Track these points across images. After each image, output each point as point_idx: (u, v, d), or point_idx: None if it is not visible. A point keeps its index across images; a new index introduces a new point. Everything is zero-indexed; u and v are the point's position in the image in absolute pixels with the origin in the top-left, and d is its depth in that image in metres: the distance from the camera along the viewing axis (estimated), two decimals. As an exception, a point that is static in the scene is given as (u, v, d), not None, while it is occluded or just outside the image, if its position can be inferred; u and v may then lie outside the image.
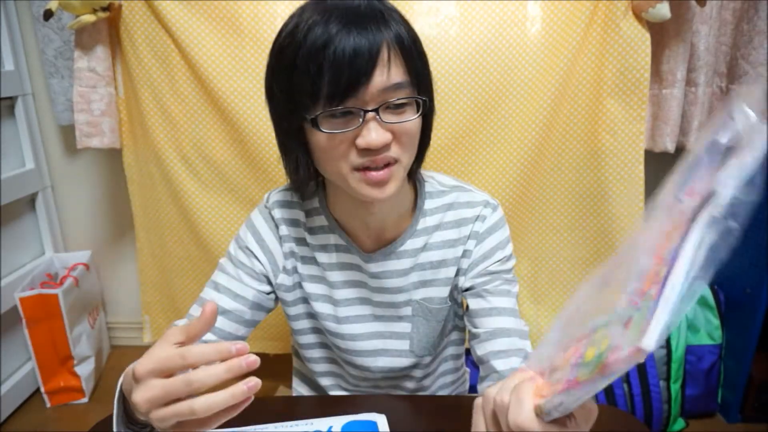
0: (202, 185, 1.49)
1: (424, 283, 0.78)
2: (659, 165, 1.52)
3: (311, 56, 0.57)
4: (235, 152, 1.45)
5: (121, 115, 1.51)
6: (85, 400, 1.68)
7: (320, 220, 0.77)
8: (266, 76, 0.66)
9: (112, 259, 1.90)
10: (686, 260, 0.29)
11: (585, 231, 1.47)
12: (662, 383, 1.49)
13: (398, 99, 0.61)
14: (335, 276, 0.78)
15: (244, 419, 0.68)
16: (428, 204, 0.77)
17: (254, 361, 0.46)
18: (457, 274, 0.77)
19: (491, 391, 0.44)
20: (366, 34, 0.57)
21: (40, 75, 1.68)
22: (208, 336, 0.74)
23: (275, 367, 1.65)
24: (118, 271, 1.91)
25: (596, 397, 0.45)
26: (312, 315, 0.81)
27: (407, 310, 0.79)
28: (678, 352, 1.48)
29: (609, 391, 1.47)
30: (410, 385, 0.86)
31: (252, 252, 0.77)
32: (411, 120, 0.62)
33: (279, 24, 0.65)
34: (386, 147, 0.61)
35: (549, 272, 1.53)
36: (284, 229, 0.78)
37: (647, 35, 1.28)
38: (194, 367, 0.45)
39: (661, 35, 1.36)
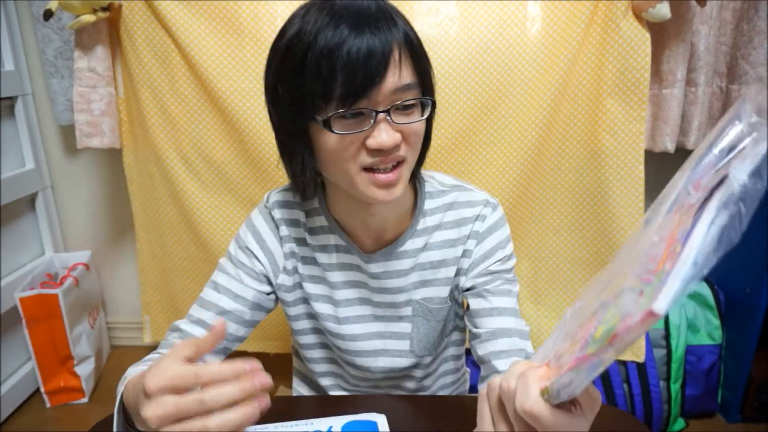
0: (202, 185, 1.49)
1: (424, 283, 0.78)
2: (659, 165, 1.52)
3: (323, 57, 0.57)
4: (235, 152, 1.45)
5: (121, 115, 1.51)
6: (85, 400, 1.68)
7: (320, 221, 0.77)
8: (268, 77, 0.65)
9: (112, 259, 1.90)
10: (700, 235, 0.29)
11: (585, 231, 1.47)
12: (662, 383, 1.49)
13: (408, 100, 0.61)
14: (335, 276, 0.78)
15: (244, 419, 0.68)
16: (428, 204, 0.77)
17: (267, 381, 0.46)
18: (457, 274, 0.77)
19: (496, 380, 0.43)
20: (379, 35, 0.58)
21: (40, 75, 1.68)
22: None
23: (275, 367, 1.64)
24: (118, 271, 1.91)
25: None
26: (312, 315, 0.81)
27: (407, 310, 0.79)
28: (678, 352, 1.48)
29: (609, 391, 1.47)
30: (411, 385, 0.86)
31: (252, 252, 0.77)
32: (419, 120, 0.63)
33: (279, 24, 0.65)
34: (396, 147, 0.61)
35: (549, 272, 1.53)
36: (284, 230, 0.78)
37: (647, 35, 1.28)
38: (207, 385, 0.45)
39: (661, 35, 1.36)
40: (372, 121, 0.60)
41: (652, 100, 1.42)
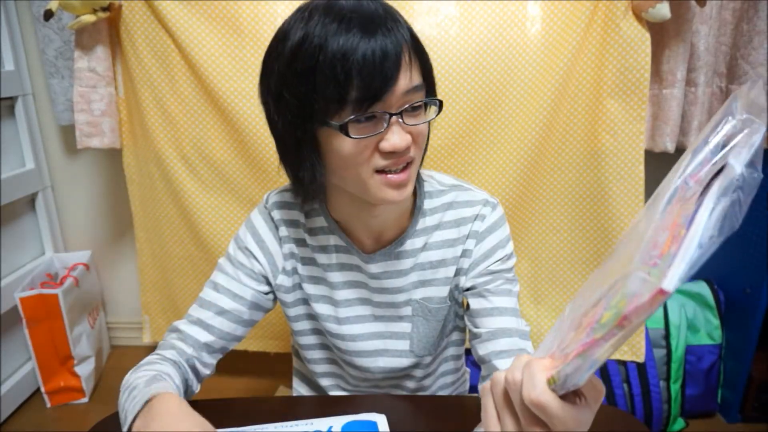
0: (202, 185, 1.49)
1: (423, 283, 0.78)
2: (659, 165, 1.52)
3: (337, 61, 0.56)
4: (235, 152, 1.45)
5: (121, 115, 1.51)
6: (85, 400, 1.68)
7: (320, 221, 0.77)
8: (269, 83, 0.64)
9: (112, 259, 1.90)
10: (704, 218, 0.30)
11: (585, 231, 1.47)
12: (662, 383, 1.49)
13: (418, 101, 0.62)
14: (335, 277, 0.78)
15: (244, 419, 0.69)
16: (427, 204, 0.77)
17: None
18: (457, 274, 0.77)
19: (500, 374, 0.43)
20: (390, 36, 0.58)
21: (40, 75, 1.69)
22: (207, 337, 0.74)
23: (275, 367, 1.66)
24: (118, 271, 1.91)
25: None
26: (312, 316, 0.82)
27: (407, 310, 0.79)
28: (678, 352, 1.48)
29: (609, 391, 1.47)
30: (411, 385, 0.86)
31: (251, 252, 0.77)
32: (427, 121, 0.64)
33: (279, 24, 0.64)
34: (407, 149, 0.62)
35: (549, 272, 1.53)
36: (284, 230, 0.78)
37: (647, 35, 1.28)
38: None
39: (661, 35, 1.36)
40: (385, 124, 0.60)
41: (652, 100, 1.42)
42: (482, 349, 0.73)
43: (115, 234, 1.87)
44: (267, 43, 0.65)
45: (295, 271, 0.79)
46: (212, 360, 0.76)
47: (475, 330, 0.75)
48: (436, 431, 0.71)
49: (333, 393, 0.89)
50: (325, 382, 0.88)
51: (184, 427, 0.53)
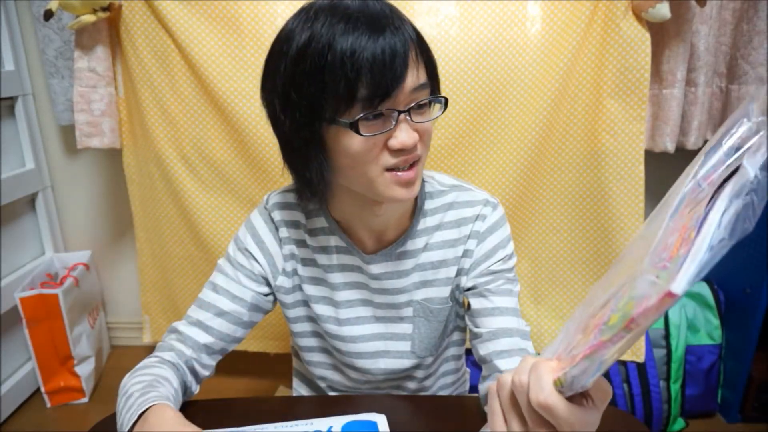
0: (202, 185, 1.49)
1: (424, 284, 0.78)
2: (659, 165, 1.52)
3: (347, 59, 0.56)
4: (235, 152, 1.45)
5: (121, 115, 1.51)
6: (85, 400, 1.68)
7: (320, 222, 0.77)
8: (275, 84, 0.63)
9: (112, 259, 1.90)
10: (715, 220, 0.29)
11: (585, 231, 1.47)
12: (662, 383, 1.49)
13: (425, 99, 0.62)
14: (336, 278, 0.78)
15: (244, 419, 0.69)
16: (428, 204, 0.77)
17: None
18: (458, 274, 0.77)
19: (506, 376, 0.43)
20: (397, 34, 0.58)
21: (40, 75, 1.68)
22: (206, 338, 0.74)
23: (275, 367, 1.66)
24: (118, 271, 1.91)
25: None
26: (312, 318, 0.81)
27: (408, 311, 0.79)
28: (678, 352, 1.48)
29: (609, 391, 1.47)
30: (411, 385, 0.86)
31: (251, 253, 0.77)
32: (433, 118, 0.64)
33: (279, 24, 0.64)
34: (415, 146, 0.62)
35: (549, 272, 1.53)
36: (284, 231, 0.77)
37: (647, 35, 1.28)
38: None
39: (661, 35, 1.36)
40: (394, 121, 0.60)
41: (652, 100, 1.42)
42: (483, 349, 0.73)
43: (115, 234, 1.87)
44: (267, 43, 0.65)
45: (295, 272, 0.79)
46: (211, 361, 0.76)
47: (475, 330, 0.75)
48: (436, 431, 0.71)
49: (333, 394, 0.88)
50: (324, 383, 0.88)
51: None
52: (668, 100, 1.39)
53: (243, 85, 1.36)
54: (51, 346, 1.60)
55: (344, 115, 0.59)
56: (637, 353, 1.45)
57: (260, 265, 0.77)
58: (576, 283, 1.52)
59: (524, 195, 1.45)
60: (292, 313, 0.82)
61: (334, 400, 0.84)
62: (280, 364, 1.58)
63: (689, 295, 1.52)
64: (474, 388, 1.00)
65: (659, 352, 1.48)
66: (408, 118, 0.61)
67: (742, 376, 1.49)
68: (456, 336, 0.88)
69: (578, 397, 0.39)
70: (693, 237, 0.30)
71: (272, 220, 0.78)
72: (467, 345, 0.85)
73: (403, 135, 0.61)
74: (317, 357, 0.86)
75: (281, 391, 1.34)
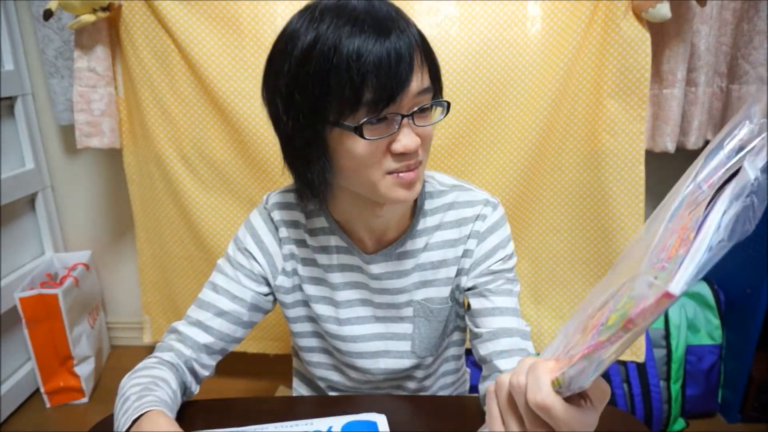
0: (202, 185, 1.49)
1: (425, 284, 0.78)
2: (659, 165, 1.52)
3: (352, 63, 0.56)
4: (235, 152, 1.45)
5: (121, 115, 1.51)
6: (85, 400, 1.68)
7: (320, 222, 0.77)
8: (278, 84, 0.62)
9: (112, 259, 1.90)
10: (714, 221, 0.29)
11: (585, 231, 1.47)
12: (662, 383, 1.49)
13: (428, 103, 0.62)
14: (336, 277, 0.78)
15: (244, 419, 0.69)
16: (428, 204, 0.77)
17: None
18: (458, 274, 0.77)
19: (504, 376, 0.43)
20: (402, 38, 0.58)
21: (40, 75, 1.68)
22: (206, 338, 0.74)
23: (275, 367, 1.66)
24: (118, 271, 1.91)
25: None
26: (312, 318, 0.81)
27: (408, 311, 0.79)
28: (678, 352, 1.48)
29: (609, 391, 1.47)
30: (411, 385, 0.86)
31: (251, 253, 0.77)
32: (435, 122, 0.65)
33: (279, 24, 0.64)
34: (417, 150, 0.62)
35: (549, 272, 1.53)
36: (284, 231, 0.77)
37: (647, 35, 1.28)
38: None
39: (661, 35, 1.36)
40: (397, 125, 0.60)
41: (652, 100, 1.42)
42: (483, 349, 0.73)
43: (115, 234, 1.87)
44: (267, 43, 0.65)
45: (295, 272, 0.79)
46: (211, 361, 0.76)
47: (476, 330, 0.75)
48: (436, 431, 0.71)
49: (333, 394, 0.88)
50: (324, 383, 0.88)
51: None
52: (668, 100, 1.39)
53: (243, 85, 1.36)
54: (51, 346, 1.60)
55: (348, 119, 0.59)
56: (637, 353, 1.45)
57: (260, 265, 0.77)
58: (576, 283, 1.52)
59: (524, 195, 1.45)
60: (292, 313, 0.81)
61: (334, 400, 0.84)
62: (280, 364, 1.58)
63: (689, 295, 1.52)
64: (474, 388, 1.00)
65: (659, 352, 1.48)
66: (411, 122, 0.61)
67: (742, 376, 1.49)
68: (456, 336, 0.88)
69: (576, 398, 0.39)
70: (692, 238, 0.30)
71: (272, 219, 0.78)
72: (467, 345, 0.85)
73: (406, 139, 0.61)
74: (317, 357, 0.86)
75: (281, 391, 1.34)
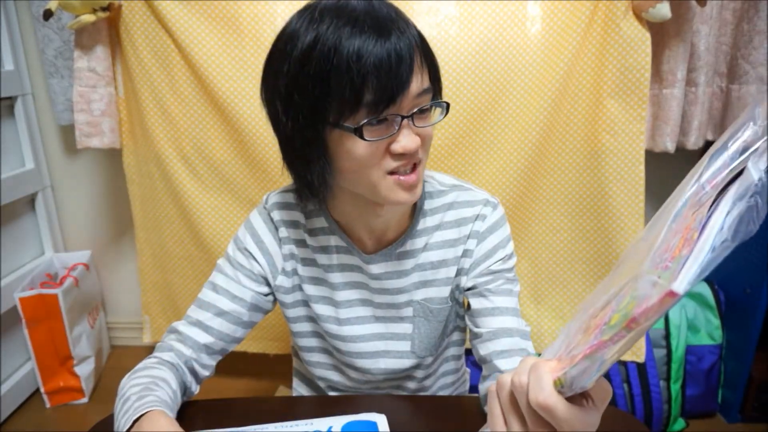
0: (202, 185, 1.49)
1: (424, 284, 0.78)
2: (659, 165, 1.52)
3: (353, 64, 0.56)
4: (235, 152, 1.45)
5: (121, 115, 1.51)
6: (84, 400, 1.68)
7: (320, 222, 0.77)
8: (277, 85, 0.62)
9: (112, 259, 1.90)
10: (717, 222, 0.29)
11: (585, 231, 1.47)
12: (662, 383, 1.49)
13: (428, 104, 0.62)
14: (336, 277, 0.78)
15: (244, 419, 0.69)
16: (428, 204, 0.77)
17: None
18: (458, 274, 0.77)
19: (506, 376, 0.43)
20: (402, 39, 0.58)
21: (40, 75, 1.68)
22: (206, 338, 0.74)
23: (275, 368, 1.66)
24: (118, 271, 1.91)
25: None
26: (312, 318, 0.81)
27: (408, 311, 0.79)
28: (678, 352, 1.48)
29: (609, 391, 1.47)
30: (411, 385, 0.86)
31: (251, 253, 0.77)
32: (435, 123, 0.65)
33: (279, 24, 0.64)
34: (417, 150, 0.62)
35: (549, 272, 1.53)
36: (284, 231, 0.77)
37: (647, 35, 1.28)
38: None
39: (661, 35, 1.36)
40: (396, 126, 0.60)
41: (652, 100, 1.42)
42: (483, 349, 0.73)
43: (115, 234, 1.87)
44: (267, 43, 0.65)
45: (295, 272, 0.79)
46: (211, 361, 0.76)
47: (476, 330, 0.75)
48: (436, 431, 0.71)
49: (333, 394, 0.88)
50: (324, 383, 0.88)
51: None
52: (668, 100, 1.39)
53: (243, 85, 1.36)
54: (51, 346, 1.60)
55: (348, 120, 0.59)
56: (637, 353, 1.45)
57: (260, 265, 0.77)
58: (576, 283, 1.52)
59: (524, 195, 1.45)
60: (292, 312, 0.81)
61: (334, 400, 0.84)
62: (280, 364, 1.58)
63: (689, 295, 1.52)
64: (474, 388, 1.00)
65: (659, 352, 1.48)
66: (411, 122, 0.61)
67: (742, 376, 1.49)
68: (456, 336, 0.88)
69: (578, 398, 0.39)
70: (696, 238, 0.30)
71: (272, 219, 0.78)
72: (467, 345, 0.85)
73: (406, 140, 0.61)
74: (317, 357, 0.86)
75: (281, 391, 1.34)
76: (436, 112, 0.66)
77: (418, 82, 0.60)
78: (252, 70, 1.35)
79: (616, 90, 1.33)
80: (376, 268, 0.76)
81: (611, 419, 0.73)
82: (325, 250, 0.77)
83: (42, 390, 1.64)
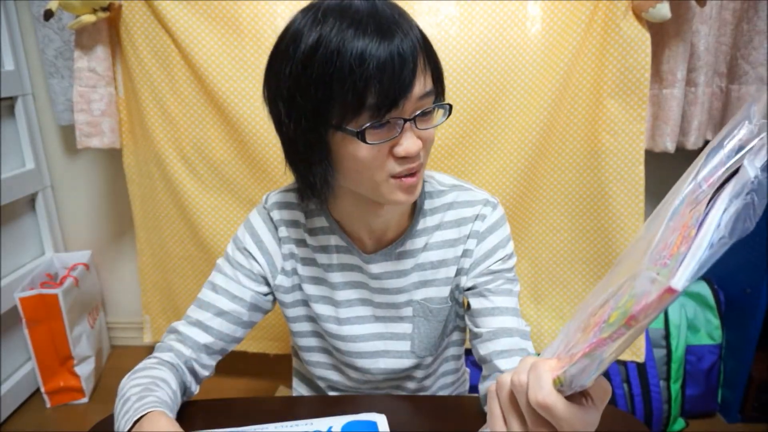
0: (202, 185, 1.49)
1: (424, 283, 0.78)
2: (659, 165, 1.52)
3: (356, 67, 0.56)
4: (235, 152, 1.45)
5: (121, 115, 1.51)
6: (85, 400, 1.68)
7: (320, 221, 0.77)
8: (280, 86, 0.62)
9: (112, 259, 1.90)
10: (715, 219, 0.30)
11: (585, 231, 1.47)
12: (662, 383, 1.49)
13: (430, 106, 0.62)
14: (336, 277, 0.78)
15: (244, 419, 0.69)
16: (428, 204, 0.77)
17: None
18: (458, 274, 0.77)
19: (505, 376, 0.43)
20: (405, 42, 0.58)
21: (40, 75, 1.69)
22: (206, 338, 0.74)
23: (275, 367, 1.66)
24: (118, 271, 1.91)
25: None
26: (312, 318, 0.81)
27: (408, 311, 0.79)
28: (678, 352, 1.48)
29: (609, 391, 1.47)
30: (411, 385, 0.86)
31: (250, 253, 0.77)
32: (437, 125, 0.65)
33: (279, 23, 0.64)
34: (419, 153, 0.62)
35: (549, 272, 1.53)
36: (284, 231, 0.77)
37: (647, 35, 1.28)
38: None
39: (661, 35, 1.36)
40: (399, 129, 0.60)
41: (652, 100, 1.42)
42: (483, 349, 0.73)
43: (115, 234, 1.87)
44: (267, 43, 0.65)
45: (294, 271, 0.79)
46: (211, 361, 0.76)
47: (475, 330, 0.75)
48: (436, 431, 0.71)
49: (333, 394, 0.88)
50: (324, 383, 0.88)
51: None
52: (668, 100, 1.39)
53: (243, 85, 1.36)
54: (51, 346, 1.60)
55: (350, 123, 0.59)
56: (637, 353, 1.45)
57: (259, 265, 0.77)
58: (576, 283, 1.52)
59: (524, 195, 1.45)
60: (292, 312, 0.82)
61: (334, 400, 0.84)
62: (280, 364, 1.58)
63: (689, 295, 1.52)
64: (474, 388, 1.00)
65: (659, 352, 1.48)
66: (413, 125, 0.61)
67: (742, 376, 1.49)
68: (456, 336, 0.88)
69: (578, 397, 0.39)
70: (693, 235, 0.30)
71: (271, 219, 0.78)
72: (467, 345, 0.85)
73: (408, 142, 0.61)
74: (317, 357, 0.86)
75: (281, 391, 1.34)
76: (439, 114, 0.66)
77: (421, 84, 0.60)
78: (252, 70, 1.35)
79: (616, 90, 1.34)
80: (375, 268, 0.76)
81: (611, 419, 0.73)
82: (325, 249, 0.77)
83: (42, 390, 1.64)
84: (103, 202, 1.83)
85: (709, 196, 0.32)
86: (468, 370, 1.00)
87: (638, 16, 1.27)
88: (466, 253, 0.76)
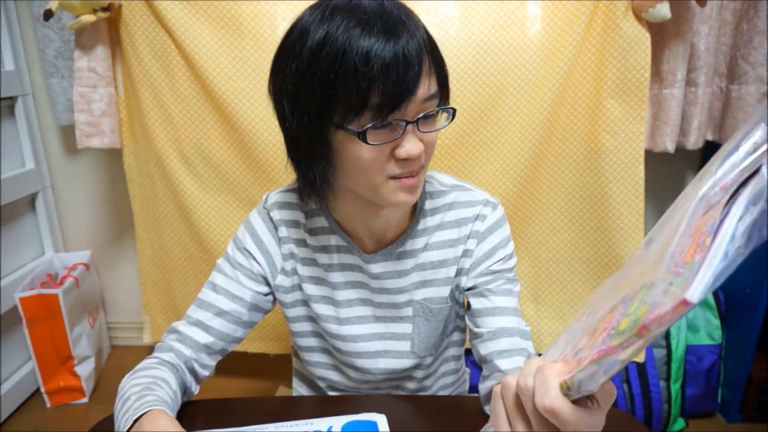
0: (202, 185, 1.49)
1: (424, 283, 0.78)
2: (659, 165, 1.52)
3: (360, 67, 0.55)
4: (235, 152, 1.45)
5: (121, 115, 1.51)
6: (85, 400, 1.68)
7: (320, 221, 0.77)
8: (285, 82, 0.62)
9: (112, 259, 1.90)
10: (730, 228, 0.29)
11: (585, 231, 1.47)
12: (662, 383, 1.49)
13: (433, 110, 0.62)
14: (336, 277, 0.78)
15: (244, 419, 0.69)
16: (428, 204, 0.77)
17: None
18: (458, 274, 0.77)
19: (511, 378, 0.43)
20: (411, 43, 0.57)
21: (40, 75, 1.68)
22: (206, 338, 0.74)
23: (275, 367, 1.66)
24: (118, 271, 1.91)
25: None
26: (312, 318, 0.81)
27: (408, 311, 0.79)
28: (678, 352, 1.48)
29: (609, 391, 1.47)
30: (411, 385, 0.86)
31: (250, 253, 0.77)
32: (440, 128, 0.64)
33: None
34: (420, 156, 0.62)
35: (549, 272, 1.53)
36: (284, 231, 0.77)
37: (647, 35, 1.28)
38: None
39: (661, 35, 1.36)
40: (401, 131, 0.60)
41: (652, 100, 1.42)
42: (483, 349, 0.73)
43: (115, 234, 1.87)
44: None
45: (294, 271, 0.79)
46: (211, 361, 0.76)
47: (476, 330, 0.75)
48: (436, 431, 0.71)
49: (333, 394, 0.88)
50: (324, 383, 0.88)
51: None
52: (668, 100, 1.39)
53: (243, 85, 1.36)
54: (51, 346, 1.60)
55: (353, 123, 0.59)
56: (637, 353, 1.45)
57: (259, 265, 0.77)
58: (576, 283, 1.52)
59: (524, 195, 1.45)
60: (292, 312, 0.82)
61: (334, 400, 0.84)
62: (280, 364, 1.58)
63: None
64: (474, 388, 1.00)
65: (659, 352, 1.48)
66: (415, 128, 0.61)
67: (742, 376, 1.49)
68: (456, 336, 0.88)
69: (583, 399, 0.39)
70: (708, 244, 0.29)
71: (271, 219, 0.78)
72: (467, 345, 0.85)
73: (410, 145, 0.60)
74: (317, 357, 0.86)
75: (281, 391, 1.34)
76: (442, 117, 0.66)
77: (425, 87, 0.60)
78: (252, 70, 1.35)
79: (616, 90, 1.34)
80: (376, 268, 0.76)
81: (611, 419, 0.72)
82: (325, 249, 0.77)
83: (42, 390, 1.64)
84: (103, 202, 1.83)
85: (723, 201, 0.32)
86: (468, 370, 1.00)
87: (638, 16, 1.27)
88: (466, 253, 0.76)
